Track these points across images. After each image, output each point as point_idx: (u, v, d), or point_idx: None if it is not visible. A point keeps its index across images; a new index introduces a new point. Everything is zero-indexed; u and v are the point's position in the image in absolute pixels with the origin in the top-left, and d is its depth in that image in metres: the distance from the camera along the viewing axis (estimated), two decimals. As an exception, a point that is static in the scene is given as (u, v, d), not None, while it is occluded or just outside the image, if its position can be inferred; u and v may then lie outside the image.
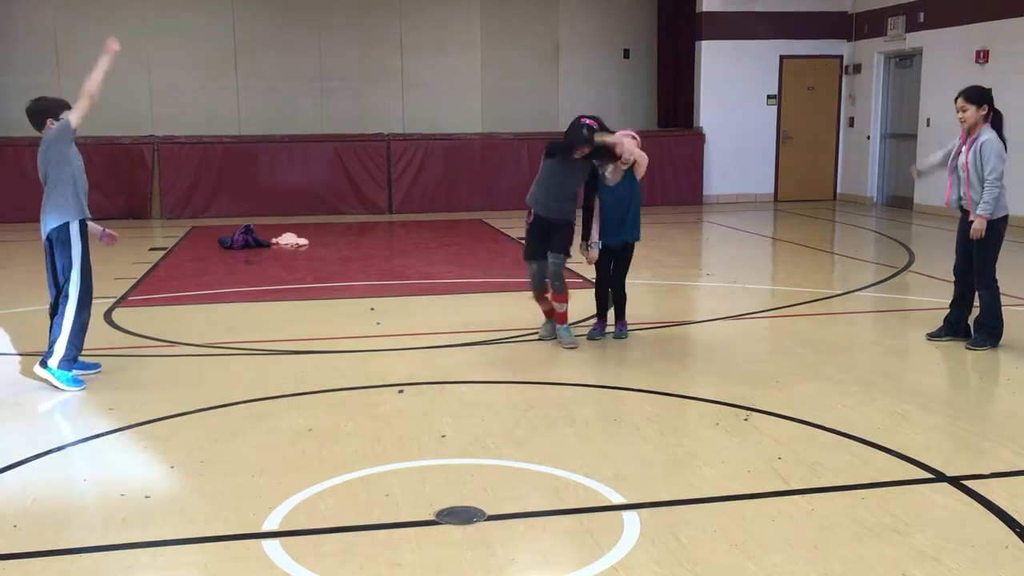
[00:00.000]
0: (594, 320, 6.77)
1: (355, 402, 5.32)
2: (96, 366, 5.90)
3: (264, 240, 11.53)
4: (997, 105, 6.29)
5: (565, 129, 6.30)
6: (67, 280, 5.58)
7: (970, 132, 6.24)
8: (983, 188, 6.15)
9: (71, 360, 5.62)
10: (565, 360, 6.24)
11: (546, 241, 6.47)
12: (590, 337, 6.64)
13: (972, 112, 6.18)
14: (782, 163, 16.57)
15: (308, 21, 16.17)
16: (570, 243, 6.50)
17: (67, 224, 5.56)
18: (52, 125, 5.56)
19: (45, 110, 5.59)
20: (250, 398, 5.35)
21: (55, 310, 5.64)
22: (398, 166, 15.29)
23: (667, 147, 15.67)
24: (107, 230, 6.02)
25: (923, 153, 14.41)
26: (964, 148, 6.25)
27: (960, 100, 6.24)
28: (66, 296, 5.59)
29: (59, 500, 4.01)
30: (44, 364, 5.57)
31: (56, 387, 5.52)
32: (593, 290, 6.87)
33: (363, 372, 5.91)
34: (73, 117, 5.48)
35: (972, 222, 6.23)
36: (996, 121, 6.27)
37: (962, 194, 6.30)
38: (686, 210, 15.10)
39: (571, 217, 6.52)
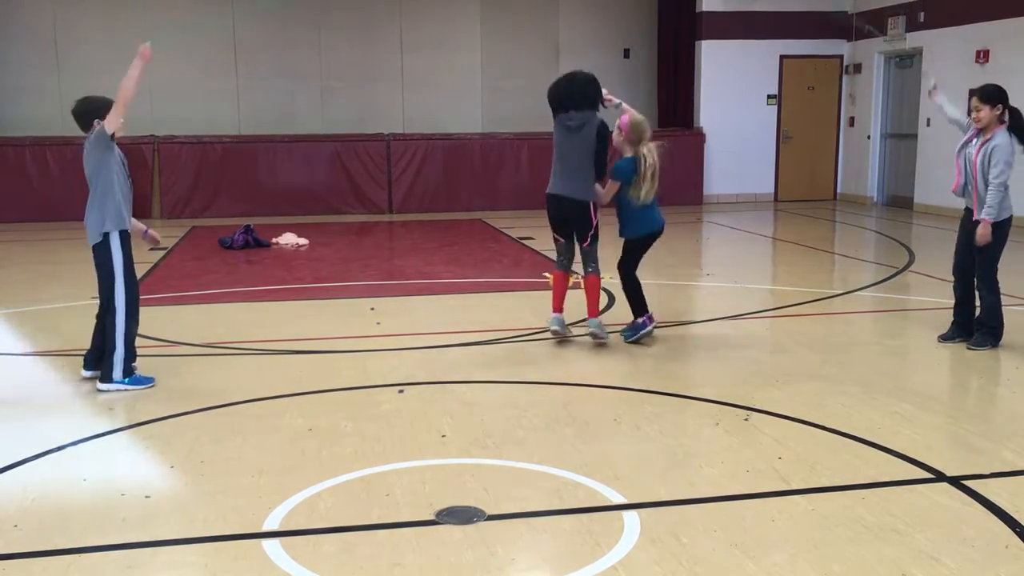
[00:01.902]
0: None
1: (355, 402, 5.31)
2: (150, 380, 5.65)
3: (264, 240, 11.53)
4: None
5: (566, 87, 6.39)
6: (112, 293, 5.48)
7: (984, 131, 6.14)
8: (987, 189, 6.12)
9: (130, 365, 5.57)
10: (565, 360, 6.24)
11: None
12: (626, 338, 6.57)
13: (986, 112, 6.07)
14: (782, 163, 16.57)
15: (308, 21, 16.18)
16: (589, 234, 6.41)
17: (107, 235, 5.48)
18: (98, 125, 5.50)
19: (91, 111, 5.49)
20: (250, 398, 5.35)
21: (103, 319, 5.57)
22: (398, 166, 15.30)
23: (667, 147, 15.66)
24: (149, 230, 5.89)
25: (923, 152, 14.44)
26: (977, 144, 6.17)
27: (974, 100, 6.11)
28: (114, 309, 5.48)
29: (59, 500, 4.01)
30: (109, 380, 5.47)
31: (130, 390, 5.46)
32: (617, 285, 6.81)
33: (363, 372, 5.91)
34: (108, 123, 5.39)
35: (977, 223, 6.18)
36: (1014, 119, 6.13)
37: (969, 186, 6.26)
38: (686, 210, 15.07)
39: (584, 197, 6.33)
